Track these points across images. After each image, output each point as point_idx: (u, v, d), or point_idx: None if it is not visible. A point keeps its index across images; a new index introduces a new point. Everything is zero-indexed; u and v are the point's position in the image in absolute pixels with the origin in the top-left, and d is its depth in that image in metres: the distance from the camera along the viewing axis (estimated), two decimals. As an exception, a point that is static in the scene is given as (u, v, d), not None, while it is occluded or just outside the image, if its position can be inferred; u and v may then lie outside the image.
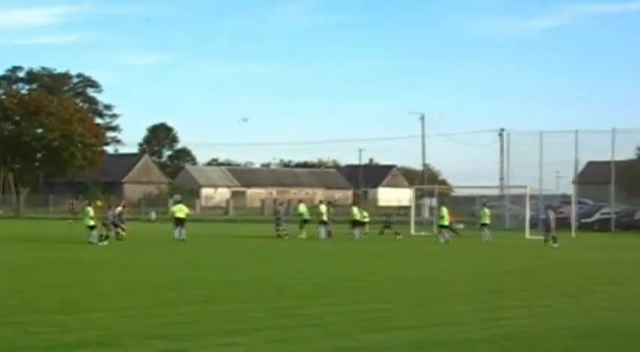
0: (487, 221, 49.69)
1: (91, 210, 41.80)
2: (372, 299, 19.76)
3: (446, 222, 46.86)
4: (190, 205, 50.40)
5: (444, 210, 47.69)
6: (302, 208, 51.38)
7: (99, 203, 55.64)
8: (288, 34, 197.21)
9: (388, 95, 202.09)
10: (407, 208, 69.25)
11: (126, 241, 41.78)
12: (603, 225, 64.75)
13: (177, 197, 63.87)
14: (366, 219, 51.00)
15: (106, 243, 39.78)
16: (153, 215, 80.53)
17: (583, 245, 45.61)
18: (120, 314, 16.62)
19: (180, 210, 44.80)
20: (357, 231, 48.65)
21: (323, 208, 49.34)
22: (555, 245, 43.80)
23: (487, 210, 50.72)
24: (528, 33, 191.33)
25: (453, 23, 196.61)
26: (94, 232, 40.77)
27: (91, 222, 41.23)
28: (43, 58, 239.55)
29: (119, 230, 43.01)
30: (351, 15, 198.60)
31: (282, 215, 51.46)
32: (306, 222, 49.91)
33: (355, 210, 50.79)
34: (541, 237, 46.81)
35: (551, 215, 46.65)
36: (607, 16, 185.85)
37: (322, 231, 48.19)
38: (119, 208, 45.11)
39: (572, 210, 59.74)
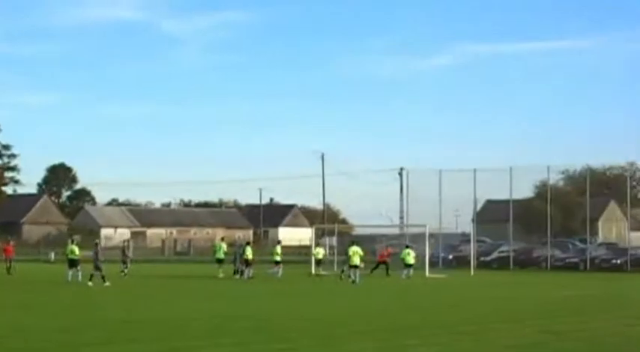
0: (412, 261, 50.72)
1: None
2: (272, 338, 19.60)
3: (356, 262, 45.41)
4: (84, 246, 49.31)
5: (353, 249, 45.97)
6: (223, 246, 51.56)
7: (11, 243, 56.16)
8: (186, 74, 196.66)
9: (288, 135, 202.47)
10: (308, 248, 69.28)
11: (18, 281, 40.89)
12: (502, 263, 65.66)
13: (77, 237, 62.90)
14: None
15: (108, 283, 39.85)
16: (52, 256, 79.40)
17: (482, 283, 46.08)
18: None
19: (72, 252, 44.06)
20: (247, 270, 48.23)
21: (279, 249, 51.36)
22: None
23: (411, 251, 51.12)
24: (425, 72, 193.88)
25: (351, 63, 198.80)
26: None
27: None
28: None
29: None
30: (250, 56, 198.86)
31: (127, 253, 51.51)
32: (221, 261, 50.05)
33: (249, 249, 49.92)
34: (442, 276, 46.86)
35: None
36: (503, 55, 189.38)
37: (279, 270, 49.85)
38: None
39: (471, 249, 60.42)
